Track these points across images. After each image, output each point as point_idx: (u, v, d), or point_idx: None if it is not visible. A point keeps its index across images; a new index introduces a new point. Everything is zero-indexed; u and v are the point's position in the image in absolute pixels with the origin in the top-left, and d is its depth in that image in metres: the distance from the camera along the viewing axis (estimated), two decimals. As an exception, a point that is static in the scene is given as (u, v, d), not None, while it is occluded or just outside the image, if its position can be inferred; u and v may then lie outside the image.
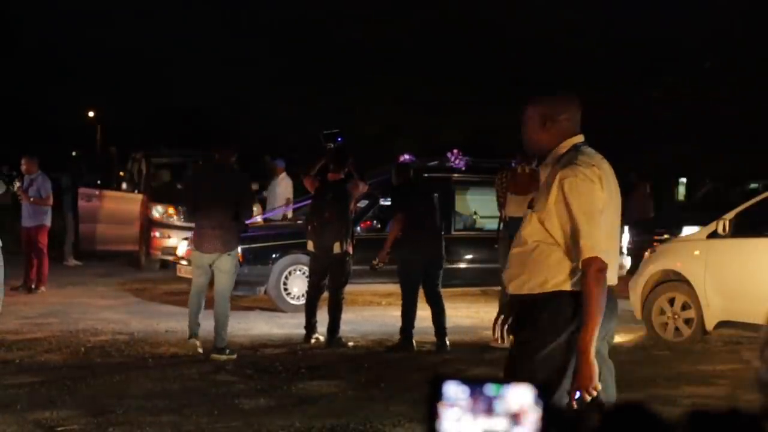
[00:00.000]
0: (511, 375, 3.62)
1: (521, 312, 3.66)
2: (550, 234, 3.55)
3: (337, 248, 8.82)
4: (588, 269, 3.44)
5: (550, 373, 3.46)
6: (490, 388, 1.28)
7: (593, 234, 3.45)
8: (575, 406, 3.39)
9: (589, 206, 3.48)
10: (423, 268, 8.80)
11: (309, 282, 9.38)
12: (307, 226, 9.11)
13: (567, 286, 3.52)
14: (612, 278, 3.61)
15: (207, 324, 8.36)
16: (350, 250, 8.98)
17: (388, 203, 10.67)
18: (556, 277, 3.53)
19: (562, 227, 3.51)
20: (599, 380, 3.47)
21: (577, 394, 3.40)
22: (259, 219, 13.06)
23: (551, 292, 3.53)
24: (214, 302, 8.20)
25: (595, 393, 3.41)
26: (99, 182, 16.94)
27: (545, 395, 1.26)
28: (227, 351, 8.12)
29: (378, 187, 11.24)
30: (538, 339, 3.53)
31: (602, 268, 3.44)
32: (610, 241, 3.61)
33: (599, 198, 3.51)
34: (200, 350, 8.22)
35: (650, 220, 16.61)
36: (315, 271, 9.14)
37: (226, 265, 8.15)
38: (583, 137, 3.71)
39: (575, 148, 3.63)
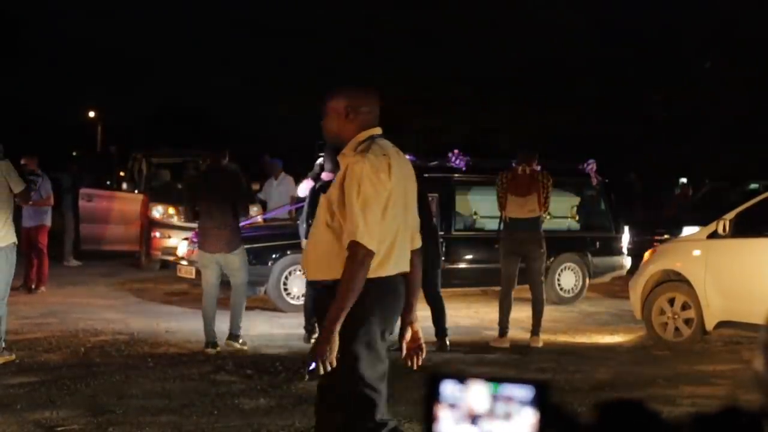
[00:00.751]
0: (322, 378, 3.67)
1: (320, 299, 3.76)
2: (339, 220, 3.61)
3: None
4: (351, 252, 3.50)
5: (349, 360, 3.55)
6: (487, 387, 1.28)
7: (366, 220, 3.51)
8: (307, 377, 3.49)
9: (368, 193, 3.53)
10: (419, 268, 8.79)
11: (306, 282, 9.39)
12: (303, 224, 9.14)
13: None
14: (403, 266, 3.74)
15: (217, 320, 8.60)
16: None
17: None
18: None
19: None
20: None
21: (312, 365, 3.47)
22: (259, 219, 13.05)
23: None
24: (232, 295, 8.65)
25: (330, 367, 3.47)
26: (108, 183, 16.95)
27: (542, 395, 1.26)
28: (241, 341, 8.49)
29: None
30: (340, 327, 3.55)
31: (367, 254, 3.50)
32: (401, 230, 3.68)
33: (383, 187, 3.56)
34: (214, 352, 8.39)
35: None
36: None
37: (235, 264, 8.50)
38: (381, 130, 3.79)
39: (372, 139, 3.71)
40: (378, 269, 3.60)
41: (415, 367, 3.89)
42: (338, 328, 3.47)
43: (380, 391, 3.67)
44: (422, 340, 3.92)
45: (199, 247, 8.62)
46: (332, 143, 3.85)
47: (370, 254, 3.51)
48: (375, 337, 3.62)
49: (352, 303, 3.48)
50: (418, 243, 3.90)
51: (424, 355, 3.92)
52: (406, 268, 3.77)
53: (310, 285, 3.78)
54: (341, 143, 3.77)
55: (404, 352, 3.91)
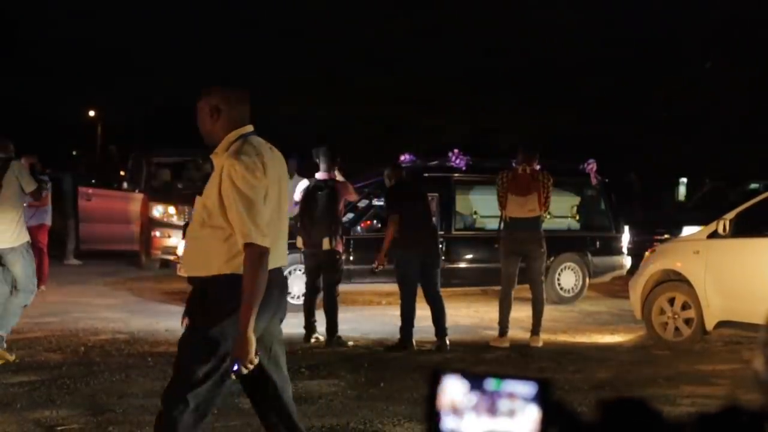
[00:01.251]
0: (179, 358, 3.88)
1: (193, 293, 3.88)
2: (216, 219, 3.74)
3: (326, 244, 8.88)
4: (248, 253, 3.65)
5: (212, 351, 3.70)
6: (490, 383, 1.27)
7: (254, 220, 3.66)
8: (233, 377, 3.70)
9: (250, 194, 3.67)
10: (419, 267, 8.81)
11: (306, 282, 9.43)
12: (297, 223, 9.23)
13: (231, 269, 3.73)
14: (281, 260, 3.92)
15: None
16: (340, 248, 9.04)
17: (382, 203, 10.71)
18: (221, 260, 3.74)
19: (226, 213, 3.70)
20: (270, 357, 3.85)
21: (235, 366, 3.63)
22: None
23: (218, 275, 3.74)
24: None
25: (251, 366, 3.64)
26: (93, 181, 16.90)
27: (545, 392, 1.26)
28: None
29: (375, 189, 11.27)
30: (206, 318, 3.75)
31: (262, 252, 3.66)
32: (275, 225, 3.84)
33: (261, 185, 3.71)
34: None
35: None
36: (309, 270, 9.25)
37: None
38: (252, 128, 3.92)
39: (243, 138, 3.84)
40: None
41: None
42: (251, 327, 3.60)
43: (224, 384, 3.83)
44: None
45: None
46: (208, 142, 3.94)
47: (266, 252, 3.68)
48: (255, 328, 3.73)
49: (259, 301, 3.63)
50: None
51: None
52: (283, 262, 3.97)
53: (189, 282, 3.89)
54: (214, 142, 3.90)
55: None
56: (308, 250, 9.09)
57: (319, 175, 9.18)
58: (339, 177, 9.25)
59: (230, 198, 3.67)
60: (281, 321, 4.04)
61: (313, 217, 8.95)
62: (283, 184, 3.95)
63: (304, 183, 9.64)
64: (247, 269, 3.64)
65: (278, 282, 3.92)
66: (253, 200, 3.67)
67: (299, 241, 9.15)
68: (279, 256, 3.89)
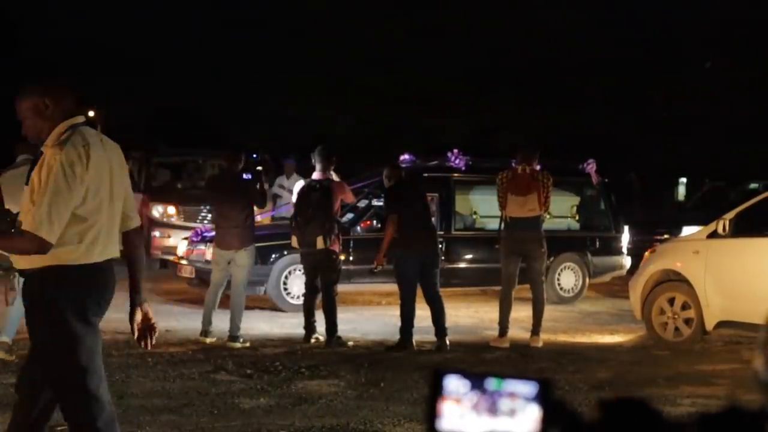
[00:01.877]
0: (34, 348, 3.94)
1: (26, 283, 3.92)
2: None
3: (320, 243, 8.88)
4: (28, 238, 3.63)
5: (68, 339, 3.76)
6: (491, 383, 1.27)
7: (50, 215, 3.63)
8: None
9: (60, 187, 3.64)
10: (419, 266, 8.81)
11: (305, 282, 9.44)
12: (291, 222, 9.26)
13: (56, 261, 3.73)
14: (111, 252, 3.89)
15: (217, 320, 9.07)
16: (336, 248, 9.04)
17: (381, 203, 10.74)
18: (53, 250, 3.71)
19: None
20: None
21: None
22: (259, 218, 13.07)
23: (49, 266, 3.74)
24: (231, 294, 9.03)
25: None
26: None
27: (546, 391, 1.26)
28: (241, 339, 8.86)
29: (375, 189, 11.28)
30: (42, 310, 3.80)
31: (41, 247, 3.63)
32: (107, 217, 3.83)
33: (77, 181, 3.68)
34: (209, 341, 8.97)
35: None
36: (307, 270, 9.27)
37: (243, 260, 8.95)
38: (83, 118, 3.90)
39: (73, 129, 3.80)
40: (84, 257, 3.76)
41: (148, 348, 4.16)
42: None
43: (96, 366, 3.88)
44: (153, 320, 4.08)
45: (216, 245, 9.19)
46: (37, 141, 3.89)
47: (47, 247, 3.65)
48: (88, 317, 3.80)
49: None
50: (136, 222, 4.09)
51: (156, 334, 4.10)
52: (115, 254, 3.94)
53: (20, 274, 3.95)
54: (43, 138, 3.85)
55: (136, 333, 4.06)
56: (304, 249, 9.11)
57: (315, 175, 9.21)
58: (335, 177, 9.26)
59: (43, 187, 3.65)
60: (101, 315, 3.99)
61: (307, 217, 8.97)
62: (117, 174, 3.91)
63: (299, 183, 9.80)
64: (17, 243, 3.68)
65: (111, 273, 3.93)
66: (61, 194, 3.64)
67: (294, 241, 9.17)
68: (111, 249, 3.90)
